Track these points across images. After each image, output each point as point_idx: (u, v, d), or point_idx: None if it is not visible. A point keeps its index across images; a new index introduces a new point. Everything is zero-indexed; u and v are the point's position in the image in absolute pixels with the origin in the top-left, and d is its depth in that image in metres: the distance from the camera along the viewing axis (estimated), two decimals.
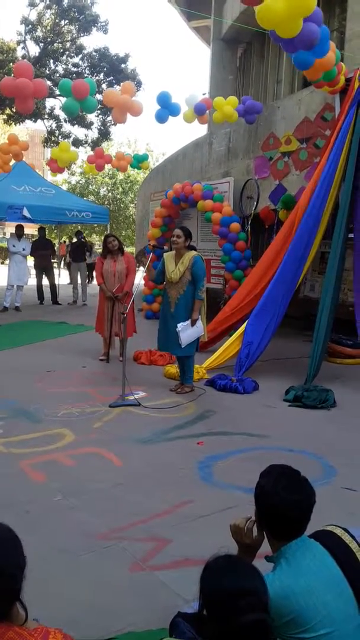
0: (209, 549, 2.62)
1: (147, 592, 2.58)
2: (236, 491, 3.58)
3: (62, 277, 15.99)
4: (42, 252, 13.57)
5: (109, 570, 2.73)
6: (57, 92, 20.33)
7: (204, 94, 10.56)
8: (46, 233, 14.97)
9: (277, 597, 1.69)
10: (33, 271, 14.00)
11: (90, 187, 33.17)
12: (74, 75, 20.47)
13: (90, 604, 2.48)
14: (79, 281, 13.92)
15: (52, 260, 14.17)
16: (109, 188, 33.22)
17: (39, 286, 13.79)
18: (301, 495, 1.89)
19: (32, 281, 13.89)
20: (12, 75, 7.59)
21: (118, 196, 32.65)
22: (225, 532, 2.11)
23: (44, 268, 13.72)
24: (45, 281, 13.83)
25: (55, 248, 16.12)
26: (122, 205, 32.53)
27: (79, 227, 21.95)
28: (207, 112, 9.49)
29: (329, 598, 1.75)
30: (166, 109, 8.89)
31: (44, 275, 13.79)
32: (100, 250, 14.04)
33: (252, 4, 4.79)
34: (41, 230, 14.65)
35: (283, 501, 1.86)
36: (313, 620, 1.71)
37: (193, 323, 5.82)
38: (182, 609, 2.29)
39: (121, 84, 10.11)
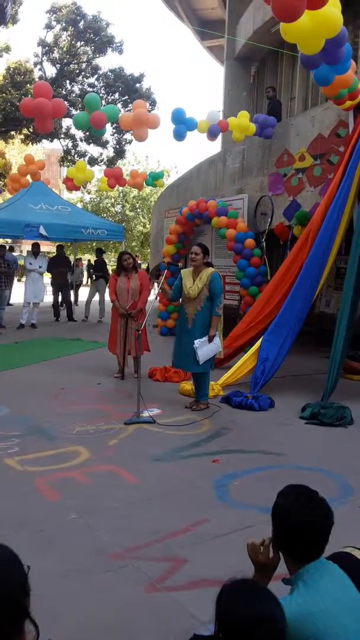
0: (225, 569, 2.61)
1: (162, 614, 2.54)
2: (252, 510, 3.54)
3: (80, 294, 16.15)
4: (59, 269, 13.70)
5: (124, 590, 2.70)
6: (74, 112, 20.68)
7: (218, 112, 10.64)
8: (64, 250, 15.10)
9: (294, 620, 1.66)
10: (49, 288, 14.11)
11: (101, 204, 33.43)
12: None
13: (105, 624, 2.45)
14: (95, 298, 13.98)
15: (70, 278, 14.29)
16: (121, 205, 33.46)
17: (55, 303, 13.88)
18: (319, 516, 1.86)
19: (48, 298, 14.00)
20: (30, 96, 7.74)
21: (128, 212, 32.85)
22: (241, 552, 2.09)
23: (60, 285, 13.83)
24: (60, 298, 13.93)
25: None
26: (132, 223, 32.71)
27: (94, 244, 22.15)
28: (221, 134, 9.54)
29: (348, 621, 1.72)
30: (182, 124, 8.95)
31: (60, 293, 13.90)
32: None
33: (286, 21, 4.84)
34: (59, 247, 14.78)
35: (301, 522, 1.83)
36: None
37: (210, 339, 5.82)
38: (198, 631, 2.26)
39: (131, 103, 10.24)
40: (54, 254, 14.87)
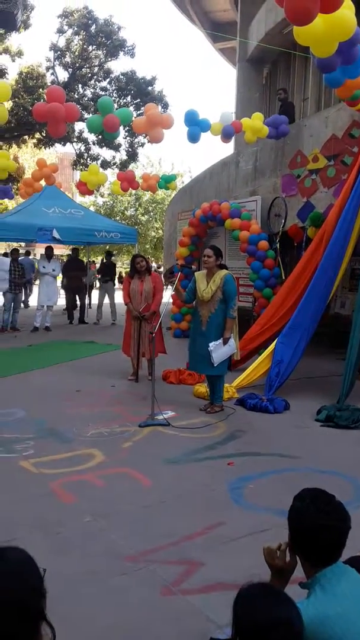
0: (241, 572, 2.60)
1: (178, 617, 2.53)
2: (268, 513, 3.52)
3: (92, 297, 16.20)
4: (75, 272, 13.75)
5: (140, 593, 2.70)
6: (86, 115, 20.76)
7: (231, 113, 10.62)
8: (79, 254, 15.15)
9: (311, 624, 1.64)
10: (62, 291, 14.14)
11: (115, 208, 33.45)
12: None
13: (120, 628, 2.45)
14: (106, 301, 14.02)
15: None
16: (135, 209, 33.46)
17: (70, 307, 13.87)
18: (336, 520, 1.84)
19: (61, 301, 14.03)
20: (43, 100, 7.79)
21: (140, 217, 32.86)
22: (257, 555, 2.07)
23: (75, 288, 13.87)
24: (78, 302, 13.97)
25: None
26: (145, 227, 32.67)
27: (107, 247, 22.20)
28: (234, 135, 9.48)
29: None
30: (196, 125, 8.93)
31: (75, 296, 13.92)
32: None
33: (300, 24, 4.83)
34: (74, 250, 14.81)
35: (317, 526, 1.82)
36: None
37: (225, 342, 5.81)
38: (214, 634, 2.25)
39: (143, 107, 10.23)
40: (68, 257, 14.89)
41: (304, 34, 5.13)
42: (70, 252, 14.89)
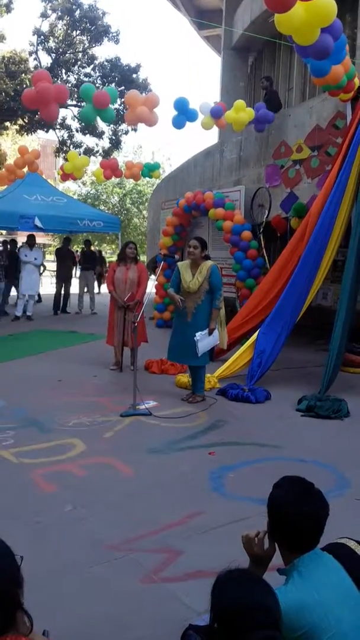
0: (221, 560, 2.60)
1: (158, 604, 2.55)
2: (248, 502, 3.55)
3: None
4: (65, 262, 13.68)
5: (120, 582, 2.71)
6: (69, 102, 20.48)
7: (215, 102, 10.56)
8: (70, 243, 15.06)
9: (289, 610, 1.66)
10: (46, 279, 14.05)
11: (101, 197, 33.09)
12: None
13: (100, 616, 2.46)
14: (86, 290, 13.96)
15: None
16: (119, 197, 33.15)
17: (58, 296, 13.76)
18: (314, 507, 1.87)
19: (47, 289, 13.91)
20: (28, 85, 7.64)
21: (128, 205, 32.55)
22: (237, 543, 2.09)
23: (65, 277, 13.77)
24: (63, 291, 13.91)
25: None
26: (130, 216, 32.36)
27: (89, 236, 22.01)
28: (224, 115, 9.42)
29: (342, 612, 1.72)
30: (183, 115, 8.87)
31: (62, 285, 13.84)
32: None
33: (279, 11, 4.81)
34: (66, 240, 14.71)
35: (296, 513, 1.84)
36: (325, 634, 1.68)
37: (211, 332, 5.81)
38: (193, 621, 2.27)
39: (148, 94, 10.01)
40: (58, 246, 14.80)
41: (285, 21, 5.11)
42: (63, 242, 14.76)
